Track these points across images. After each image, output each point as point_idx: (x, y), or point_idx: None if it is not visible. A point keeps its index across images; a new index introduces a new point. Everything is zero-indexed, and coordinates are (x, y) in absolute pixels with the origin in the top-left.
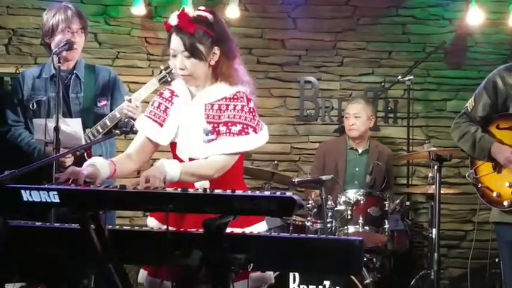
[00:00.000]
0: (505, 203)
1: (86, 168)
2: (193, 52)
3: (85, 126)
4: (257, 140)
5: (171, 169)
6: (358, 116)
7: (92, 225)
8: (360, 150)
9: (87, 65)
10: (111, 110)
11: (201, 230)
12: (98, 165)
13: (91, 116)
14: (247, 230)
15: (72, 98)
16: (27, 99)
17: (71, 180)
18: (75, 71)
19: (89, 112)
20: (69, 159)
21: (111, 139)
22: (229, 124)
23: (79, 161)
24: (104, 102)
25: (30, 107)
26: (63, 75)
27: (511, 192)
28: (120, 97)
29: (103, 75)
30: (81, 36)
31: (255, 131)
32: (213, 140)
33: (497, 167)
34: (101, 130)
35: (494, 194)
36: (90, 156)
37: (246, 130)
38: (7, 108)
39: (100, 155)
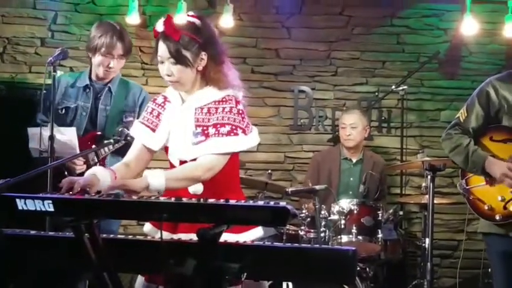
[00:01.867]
0: (497, 217)
1: (84, 178)
2: (178, 59)
3: (106, 139)
4: (246, 141)
5: (154, 179)
6: (354, 127)
7: (87, 234)
8: (354, 160)
9: (122, 80)
10: None
11: (195, 239)
12: (98, 175)
13: (115, 130)
14: (243, 235)
15: (100, 109)
16: (58, 103)
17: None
18: (109, 85)
19: (114, 126)
20: (80, 167)
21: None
22: (218, 126)
23: None
24: (130, 119)
25: (59, 111)
26: (98, 87)
27: (503, 206)
28: None
29: (134, 92)
30: (120, 61)
31: (244, 132)
32: (201, 141)
33: (490, 180)
34: (115, 137)
35: (486, 207)
36: (103, 166)
37: (234, 131)
38: (38, 108)
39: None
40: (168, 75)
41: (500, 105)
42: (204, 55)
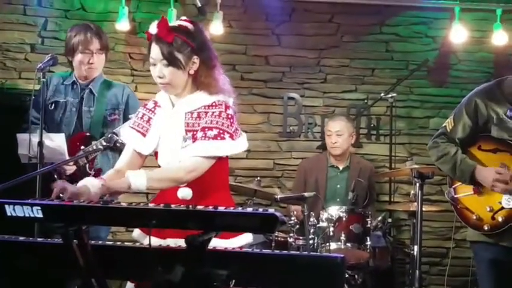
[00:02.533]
0: (486, 227)
1: (75, 186)
2: (171, 61)
3: (94, 139)
4: (233, 146)
5: (135, 179)
6: (340, 134)
7: (75, 240)
8: (341, 168)
9: (105, 80)
10: None
11: (183, 246)
12: (89, 185)
13: (101, 130)
14: (233, 241)
15: (84, 111)
16: (49, 98)
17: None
18: (89, 86)
19: (99, 126)
20: (70, 168)
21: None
22: (206, 129)
23: (81, 171)
24: (114, 117)
25: (49, 107)
26: (81, 87)
27: (491, 216)
28: (133, 113)
29: (116, 90)
30: (99, 57)
31: (231, 137)
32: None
33: (478, 190)
34: (104, 144)
35: (474, 217)
36: (92, 168)
37: (221, 135)
38: (31, 106)
39: (100, 169)
40: (160, 77)
41: (489, 116)
42: (196, 59)
